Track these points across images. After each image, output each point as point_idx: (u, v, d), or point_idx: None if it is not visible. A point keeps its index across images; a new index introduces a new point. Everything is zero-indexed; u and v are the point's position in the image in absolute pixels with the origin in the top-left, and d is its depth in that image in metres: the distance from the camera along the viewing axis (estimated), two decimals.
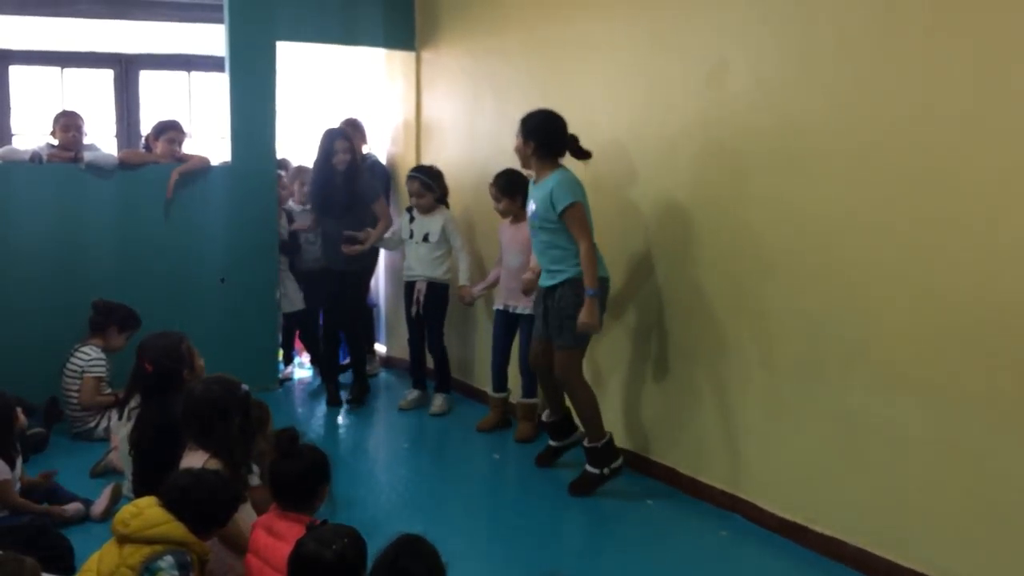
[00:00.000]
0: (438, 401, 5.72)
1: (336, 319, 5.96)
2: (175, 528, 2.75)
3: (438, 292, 5.62)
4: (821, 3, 3.59)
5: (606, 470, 4.31)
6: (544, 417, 4.76)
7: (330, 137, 5.70)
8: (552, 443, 4.73)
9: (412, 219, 5.65)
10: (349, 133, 5.86)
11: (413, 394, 5.84)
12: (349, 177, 5.67)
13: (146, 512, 2.77)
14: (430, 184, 5.54)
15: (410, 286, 5.69)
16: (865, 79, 3.44)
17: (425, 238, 5.58)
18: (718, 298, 4.17)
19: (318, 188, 5.79)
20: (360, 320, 6.10)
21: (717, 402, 4.21)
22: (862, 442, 3.54)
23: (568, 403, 4.59)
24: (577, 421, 4.57)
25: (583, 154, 4.32)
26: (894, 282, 3.38)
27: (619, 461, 4.35)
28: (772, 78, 3.82)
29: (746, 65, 3.93)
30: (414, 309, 5.65)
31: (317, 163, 5.78)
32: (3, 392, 3.87)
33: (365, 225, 5.73)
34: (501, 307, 5.29)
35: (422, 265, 5.61)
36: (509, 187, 5.01)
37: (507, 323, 5.28)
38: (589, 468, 4.34)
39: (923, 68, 3.24)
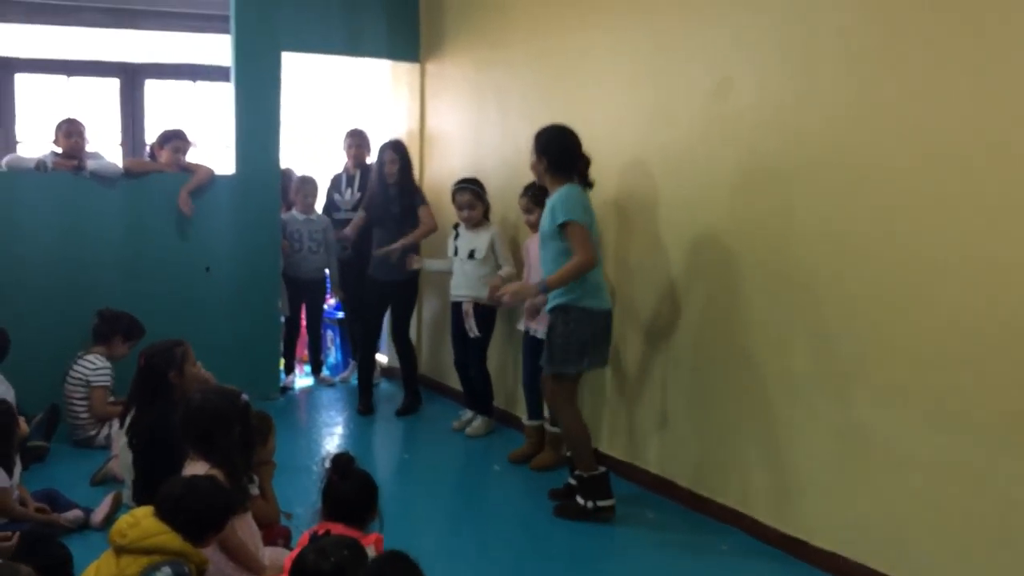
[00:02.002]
0: (476, 423, 5.55)
1: (375, 330, 6.07)
2: (172, 538, 2.74)
3: (484, 313, 5.38)
4: (826, 19, 3.60)
5: (591, 504, 4.17)
6: (566, 450, 4.53)
7: (382, 148, 5.84)
8: (571, 480, 4.39)
9: (457, 235, 5.47)
10: (402, 144, 5.90)
11: (467, 415, 5.67)
12: (401, 188, 5.73)
13: (143, 522, 2.77)
14: (481, 194, 5.36)
15: (456, 306, 5.49)
16: (869, 95, 3.44)
17: (471, 255, 5.34)
18: (719, 312, 4.16)
19: (373, 198, 5.87)
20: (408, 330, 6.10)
21: (717, 415, 4.20)
22: (863, 458, 3.53)
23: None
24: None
25: (586, 182, 4.25)
26: (897, 298, 3.38)
27: (611, 501, 4.19)
28: (776, 93, 3.82)
29: (751, 80, 3.94)
30: (467, 328, 5.43)
31: (373, 175, 5.91)
32: (5, 400, 3.87)
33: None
34: (522, 328, 5.09)
35: (468, 284, 5.36)
36: (544, 196, 4.55)
37: (531, 346, 4.97)
38: (577, 498, 4.22)
39: (928, 85, 3.24)
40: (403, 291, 5.92)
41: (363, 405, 5.98)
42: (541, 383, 4.57)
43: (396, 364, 6.72)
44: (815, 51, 3.65)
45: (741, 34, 3.96)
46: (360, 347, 6.25)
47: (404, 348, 6.06)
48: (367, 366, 6.11)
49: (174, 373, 3.98)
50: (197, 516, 2.80)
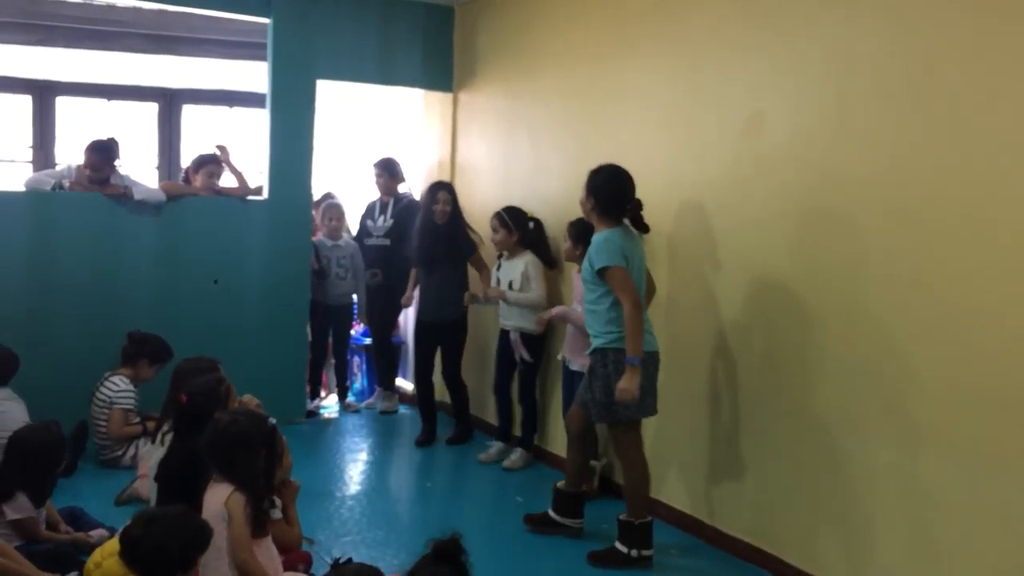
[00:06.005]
0: (514, 456, 5.46)
1: (428, 370, 5.96)
2: None
3: (533, 342, 5.39)
4: (859, 57, 3.60)
5: (635, 552, 4.05)
6: (559, 484, 4.44)
7: (434, 188, 5.77)
8: (551, 513, 4.40)
9: (499, 266, 5.50)
10: (453, 187, 5.89)
11: (496, 446, 5.60)
12: (449, 229, 5.68)
13: (105, 565, 2.69)
14: (506, 221, 5.34)
15: (504, 334, 5.52)
16: (902, 133, 3.43)
17: (509, 285, 5.37)
18: (748, 346, 4.14)
19: (419, 238, 5.76)
20: (459, 368, 5.97)
21: (741, 450, 4.16)
22: (893, 499, 3.48)
23: (585, 484, 4.44)
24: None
25: (642, 226, 4.19)
26: (930, 337, 3.33)
27: (651, 551, 4.09)
28: (808, 131, 3.82)
29: (782, 117, 3.93)
30: (517, 358, 5.45)
31: (421, 214, 5.80)
32: (60, 431, 3.86)
33: (461, 277, 5.76)
34: (560, 358, 5.08)
35: (512, 314, 5.38)
36: (573, 233, 4.80)
37: (569, 378, 4.97)
38: (619, 544, 4.10)
39: (960, 124, 3.22)
40: (453, 332, 5.86)
41: (424, 436, 5.91)
42: (567, 418, 4.52)
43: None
44: (848, 89, 3.64)
45: (776, 68, 3.96)
46: (416, 384, 6.13)
47: (456, 386, 5.97)
48: (427, 398, 6.00)
49: (220, 413, 3.97)
50: (156, 556, 2.65)
